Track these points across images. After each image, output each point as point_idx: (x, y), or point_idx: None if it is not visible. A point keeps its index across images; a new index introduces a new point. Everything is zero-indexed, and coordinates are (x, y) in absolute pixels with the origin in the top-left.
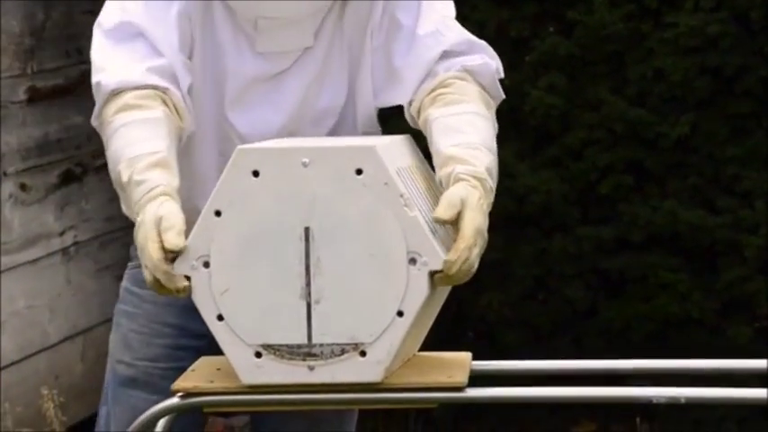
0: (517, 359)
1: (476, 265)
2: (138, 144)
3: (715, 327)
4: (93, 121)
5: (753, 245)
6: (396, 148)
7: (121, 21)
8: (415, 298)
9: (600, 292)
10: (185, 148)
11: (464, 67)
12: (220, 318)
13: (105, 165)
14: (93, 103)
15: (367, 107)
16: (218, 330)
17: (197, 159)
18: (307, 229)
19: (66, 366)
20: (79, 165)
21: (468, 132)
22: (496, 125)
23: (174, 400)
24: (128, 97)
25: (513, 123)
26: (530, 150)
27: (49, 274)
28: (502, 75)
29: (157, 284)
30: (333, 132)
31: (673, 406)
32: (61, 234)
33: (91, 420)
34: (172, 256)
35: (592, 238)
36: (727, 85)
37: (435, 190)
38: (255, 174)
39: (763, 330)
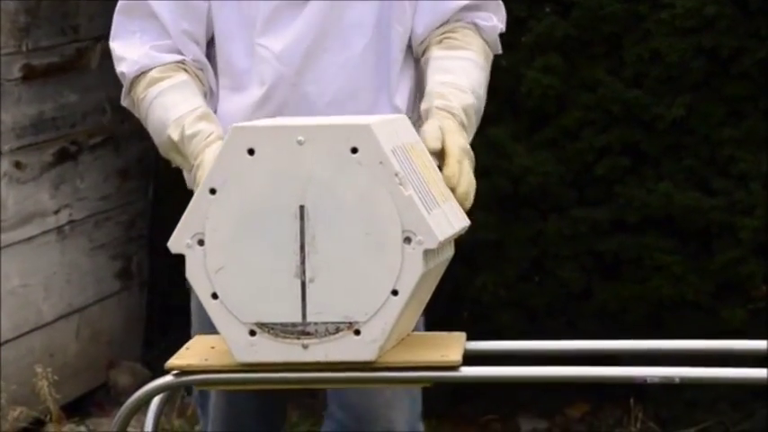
0: (512, 340)
1: (473, 182)
2: (177, 106)
3: (710, 308)
4: (123, 101)
5: (748, 227)
6: (392, 126)
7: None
8: (410, 277)
9: (595, 274)
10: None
11: (474, 23)
12: (215, 296)
13: (100, 143)
14: (88, 81)
15: (404, 30)
16: (212, 309)
17: (236, 101)
18: (301, 208)
19: (61, 345)
20: (74, 143)
21: (459, 75)
22: (488, 76)
23: (168, 378)
24: (152, 73)
25: (509, 104)
26: (526, 131)
27: (43, 253)
28: (503, 29)
29: None
30: (365, 51)
31: (667, 387)
32: (56, 212)
33: (84, 399)
34: None
35: (587, 220)
36: (723, 67)
37: (432, 169)
38: (251, 152)
39: (757, 312)
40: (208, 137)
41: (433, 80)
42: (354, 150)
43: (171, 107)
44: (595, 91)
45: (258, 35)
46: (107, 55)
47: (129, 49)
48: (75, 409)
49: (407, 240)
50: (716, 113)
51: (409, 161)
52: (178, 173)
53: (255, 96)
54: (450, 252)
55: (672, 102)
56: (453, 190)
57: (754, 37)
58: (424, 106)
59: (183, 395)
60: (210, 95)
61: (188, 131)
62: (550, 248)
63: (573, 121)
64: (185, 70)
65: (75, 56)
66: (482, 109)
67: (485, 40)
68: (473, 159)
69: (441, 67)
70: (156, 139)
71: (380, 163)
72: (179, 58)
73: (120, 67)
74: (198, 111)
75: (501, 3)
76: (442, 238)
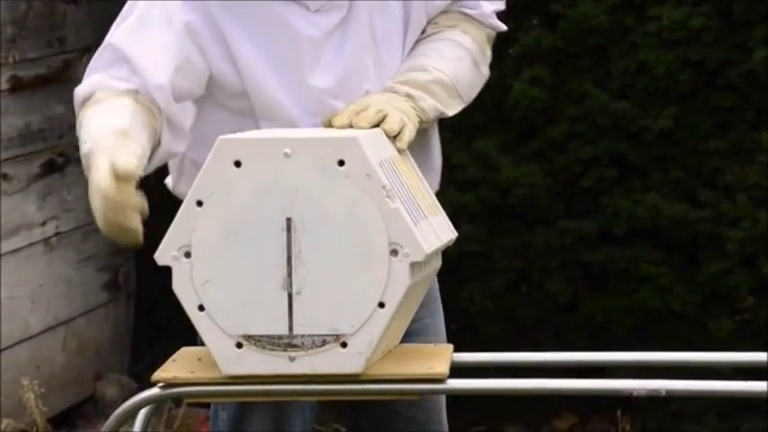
0: (499, 352)
1: (388, 114)
2: (101, 125)
3: (696, 320)
4: (77, 132)
5: (734, 238)
6: (379, 139)
7: (109, 43)
8: (397, 289)
9: (582, 286)
10: (247, 124)
11: (460, 12)
12: (201, 308)
13: None
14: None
15: (419, 21)
16: (198, 321)
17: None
18: (288, 220)
19: (48, 357)
20: (61, 155)
21: (429, 56)
22: (479, 53)
23: (155, 391)
24: (97, 95)
25: (496, 116)
26: (513, 143)
27: (30, 265)
28: (502, 7)
29: (109, 225)
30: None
31: (654, 399)
32: (43, 224)
33: (71, 411)
34: (126, 181)
35: (574, 232)
36: (709, 79)
37: (419, 182)
38: (237, 164)
39: (743, 323)
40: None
41: (400, 69)
42: (341, 163)
43: (96, 126)
44: (582, 103)
45: (308, 75)
46: None
47: (90, 76)
48: (62, 421)
49: (394, 253)
50: (702, 125)
51: (396, 174)
52: (165, 184)
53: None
54: (437, 264)
55: (659, 113)
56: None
57: (740, 49)
58: None
59: (170, 407)
60: (172, 133)
61: (95, 140)
62: (537, 260)
63: (560, 133)
64: (136, 100)
65: (62, 67)
66: (463, 82)
67: (477, 23)
68: (407, 112)
69: (413, 53)
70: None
71: (367, 175)
72: (132, 87)
73: (76, 89)
74: (116, 126)
75: None
76: (428, 250)
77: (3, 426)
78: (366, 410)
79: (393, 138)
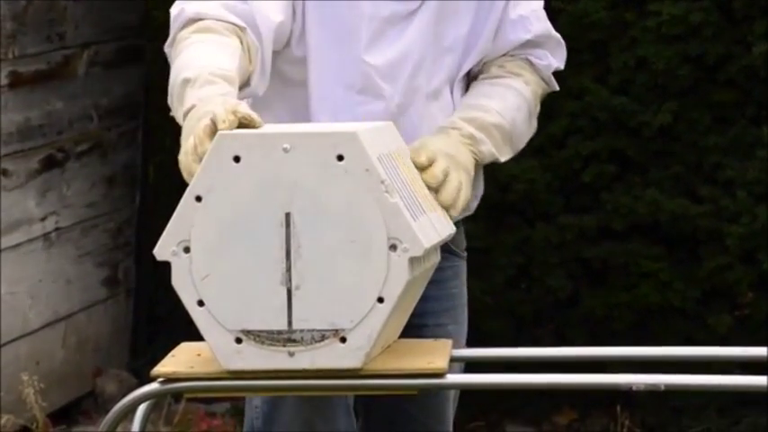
0: (499, 347)
1: (462, 189)
2: (211, 56)
3: (696, 315)
4: (167, 48)
5: (734, 233)
6: (378, 134)
7: None
8: (396, 284)
9: (582, 281)
10: (298, 94)
11: (527, 59)
12: (201, 303)
13: (87, 151)
14: (74, 89)
15: (485, 49)
16: (198, 316)
17: (319, 102)
18: (287, 215)
19: (47, 352)
20: (61, 150)
21: (491, 98)
22: (533, 106)
23: (154, 386)
24: (209, 22)
25: None
26: None
27: (30, 260)
28: (561, 67)
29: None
30: (452, 68)
31: (653, 394)
32: (42, 220)
33: (71, 406)
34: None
35: (574, 227)
36: (709, 74)
37: (418, 178)
38: (236, 159)
39: (743, 319)
40: (225, 93)
41: (462, 103)
42: (340, 158)
43: (205, 55)
44: (582, 98)
45: (363, 51)
46: (93, 62)
47: None
48: (62, 416)
49: (393, 248)
50: (702, 120)
51: (395, 169)
52: (164, 180)
53: (345, 103)
54: (435, 259)
55: (658, 109)
56: (437, 192)
57: (740, 44)
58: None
59: (169, 402)
60: (262, 75)
61: (206, 78)
62: (537, 255)
63: (559, 129)
64: (241, 40)
65: (61, 63)
66: (517, 132)
67: (539, 76)
68: (467, 168)
69: (477, 92)
70: (171, 80)
71: (366, 170)
72: (242, 24)
73: (180, 5)
74: (228, 72)
75: (561, 41)
76: (427, 245)
77: (2, 421)
78: (376, 407)
79: (445, 207)
